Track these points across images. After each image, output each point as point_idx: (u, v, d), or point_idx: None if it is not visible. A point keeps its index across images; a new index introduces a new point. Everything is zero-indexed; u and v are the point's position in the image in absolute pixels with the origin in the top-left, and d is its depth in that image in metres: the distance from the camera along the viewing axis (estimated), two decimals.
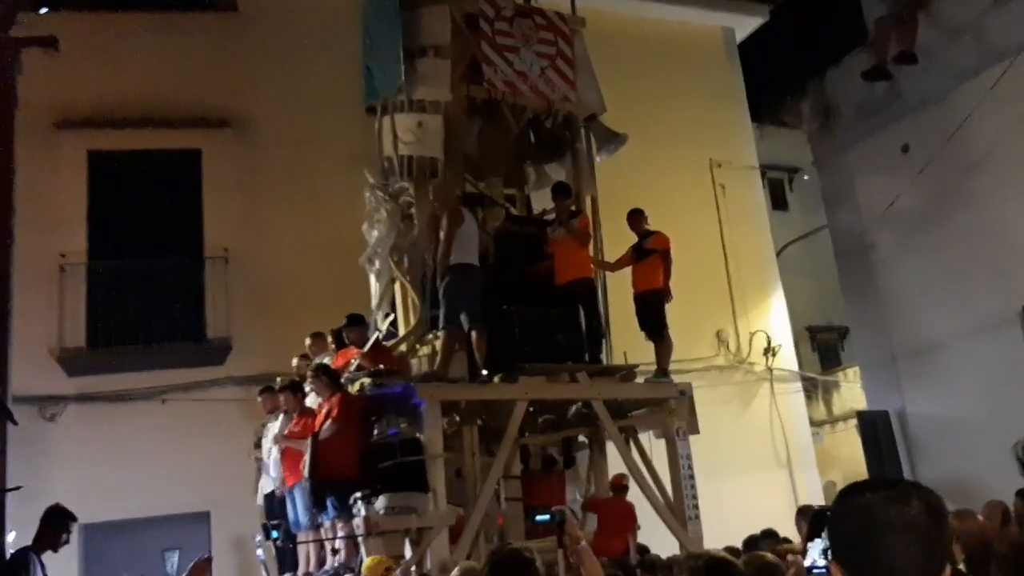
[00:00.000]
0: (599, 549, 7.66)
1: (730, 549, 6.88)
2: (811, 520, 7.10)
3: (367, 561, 6.54)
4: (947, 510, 1.54)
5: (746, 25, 16.01)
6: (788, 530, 7.74)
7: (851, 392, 15.78)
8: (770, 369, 14.39)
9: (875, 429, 11.40)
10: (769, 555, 4.10)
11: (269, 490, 8.65)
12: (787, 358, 14.85)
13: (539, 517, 7.04)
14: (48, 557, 6.27)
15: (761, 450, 13.71)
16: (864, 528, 1.46)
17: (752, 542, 7.36)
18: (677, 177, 13.99)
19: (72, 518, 6.19)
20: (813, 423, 15.67)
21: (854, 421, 13.48)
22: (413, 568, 6.87)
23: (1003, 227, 10.34)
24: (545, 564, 4.86)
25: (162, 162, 12.29)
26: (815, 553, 4.29)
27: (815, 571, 4.19)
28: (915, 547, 1.43)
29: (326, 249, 11.13)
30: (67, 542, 6.17)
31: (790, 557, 6.12)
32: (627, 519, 8.44)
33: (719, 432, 11.27)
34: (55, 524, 6.10)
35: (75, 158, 12.02)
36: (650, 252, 8.71)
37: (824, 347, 18.50)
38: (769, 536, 7.67)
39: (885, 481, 1.56)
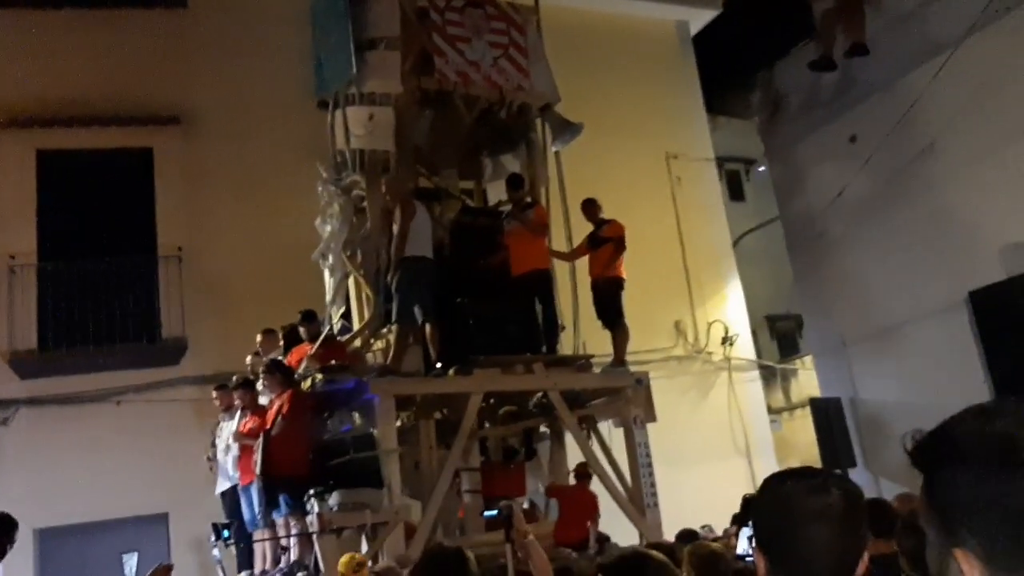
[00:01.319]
0: (560, 537, 7.72)
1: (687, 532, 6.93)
2: (741, 507, 7.16)
3: (344, 558, 6.43)
4: (864, 500, 1.58)
5: (700, 18, 16.16)
6: None
7: (809, 379, 15.95)
8: (728, 358, 14.56)
9: (827, 415, 11.53)
10: (714, 544, 4.14)
11: (224, 488, 8.58)
12: (745, 347, 15.03)
13: (487, 513, 7.07)
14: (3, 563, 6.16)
15: (720, 439, 13.87)
16: (784, 517, 1.50)
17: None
18: (633, 169, 14.08)
19: (15, 525, 6.05)
20: (771, 411, 15.87)
21: None
22: (369, 563, 6.83)
23: (950, 213, 10.52)
24: (499, 556, 4.87)
25: (113, 161, 12.11)
26: (744, 541, 4.35)
27: (747, 560, 4.24)
28: (833, 536, 1.47)
29: (280, 246, 11.04)
30: (10, 548, 6.03)
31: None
32: (589, 508, 8.47)
33: (678, 422, 11.39)
34: (1, 533, 5.96)
35: (23, 158, 11.81)
36: (605, 240, 8.75)
37: (782, 336, 18.72)
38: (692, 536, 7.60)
39: (806, 471, 1.61)
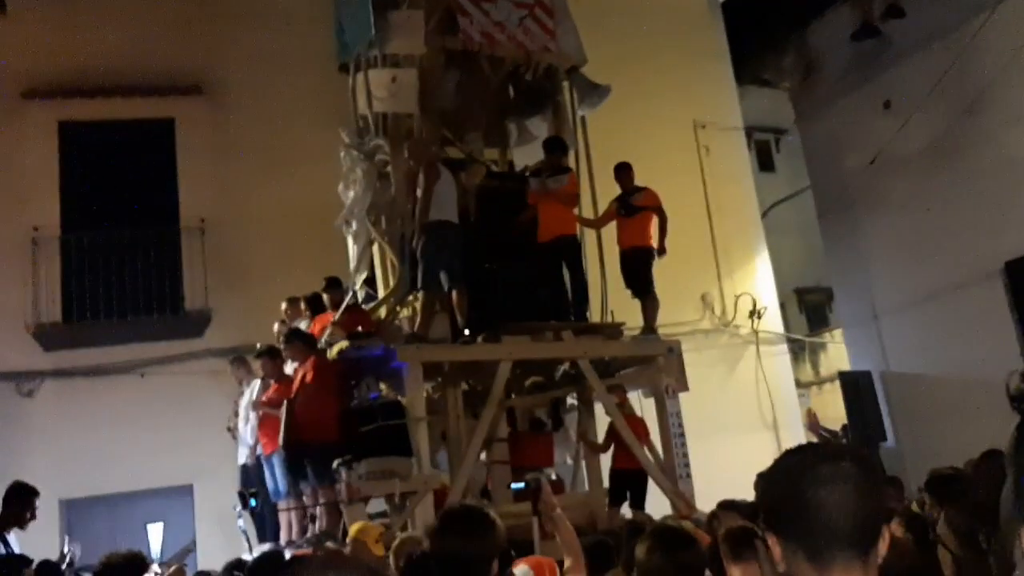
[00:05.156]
0: (621, 464, 7.96)
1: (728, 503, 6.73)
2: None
3: (356, 525, 6.35)
4: (875, 467, 1.49)
5: None
6: None
7: (838, 353, 15.72)
8: (756, 332, 14.29)
9: (857, 389, 11.31)
10: (745, 521, 4.01)
11: (244, 459, 8.50)
12: (773, 320, 14.75)
13: (514, 485, 6.90)
14: (29, 535, 6.12)
15: (747, 412, 13.63)
16: (794, 487, 1.41)
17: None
18: (660, 138, 13.77)
19: (35, 493, 5.98)
20: (800, 384, 15.61)
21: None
22: (398, 534, 6.72)
23: (987, 180, 10.22)
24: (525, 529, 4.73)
25: (135, 131, 12.02)
26: None
27: None
28: (848, 498, 1.37)
29: (303, 215, 10.89)
30: (33, 518, 5.97)
31: None
32: (640, 433, 8.15)
33: (705, 395, 11.13)
34: (20, 501, 5.90)
35: (45, 129, 11.75)
36: (641, 208, 8.51)
37: (812, 308, 18.44)
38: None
39: (819, 444, 1.58)
